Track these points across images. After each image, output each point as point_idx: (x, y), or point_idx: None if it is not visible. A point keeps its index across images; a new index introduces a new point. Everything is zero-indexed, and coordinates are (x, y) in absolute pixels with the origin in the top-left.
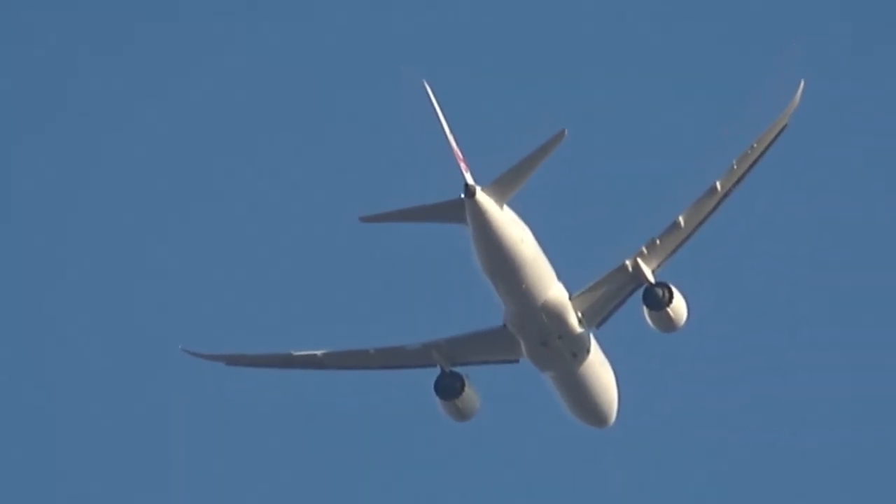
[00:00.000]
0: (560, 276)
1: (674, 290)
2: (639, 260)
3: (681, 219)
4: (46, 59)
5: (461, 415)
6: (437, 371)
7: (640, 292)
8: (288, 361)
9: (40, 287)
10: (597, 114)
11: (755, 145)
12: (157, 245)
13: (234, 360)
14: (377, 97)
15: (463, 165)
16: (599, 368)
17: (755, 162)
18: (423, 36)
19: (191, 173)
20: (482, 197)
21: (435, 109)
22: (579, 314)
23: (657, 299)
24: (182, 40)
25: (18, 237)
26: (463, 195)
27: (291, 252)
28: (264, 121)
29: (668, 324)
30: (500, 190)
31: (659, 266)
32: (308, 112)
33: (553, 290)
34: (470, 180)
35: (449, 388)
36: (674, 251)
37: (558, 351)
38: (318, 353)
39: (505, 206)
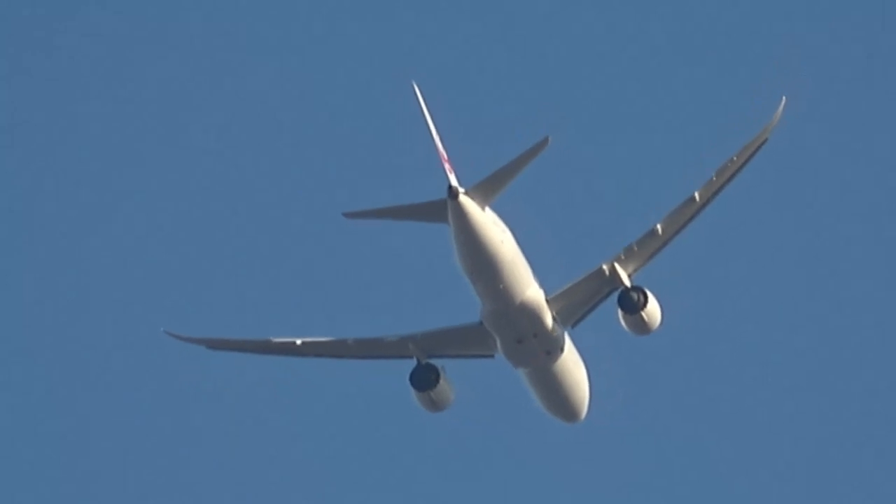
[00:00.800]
0: (539, 277)
1: (649, 294)
2: (616, 264)
3: (658, 227)
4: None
5: (435, 406)
6: (413, 363)
7: (615, 295)
8: (267, 347)
9: (28, 270)
10: (585, 118)
11: (735, 158)
12: (149, 234)
13: (214, 344)
14: (369, 98)
15: (447, 167)
16: (572, 366)
17: (734, 174)
18: (416, 37)
19: (181, 164)
20: (464, 199)
21: (423, 111)
22: (555, 314)
23: (632, 303)
24: (170, 34)
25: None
26: (446, 196)
27: (278, 244)
28: (254, 116)
29: (641, 327)
30: (483, 193)
31: (636, 271)
32: (299, 109)
33: (530, 291)
34: (454, 182)
35: (424, 379)
36: (650, 257)
37: (533, 349)
38: (297, 341)
39: (487, 209)
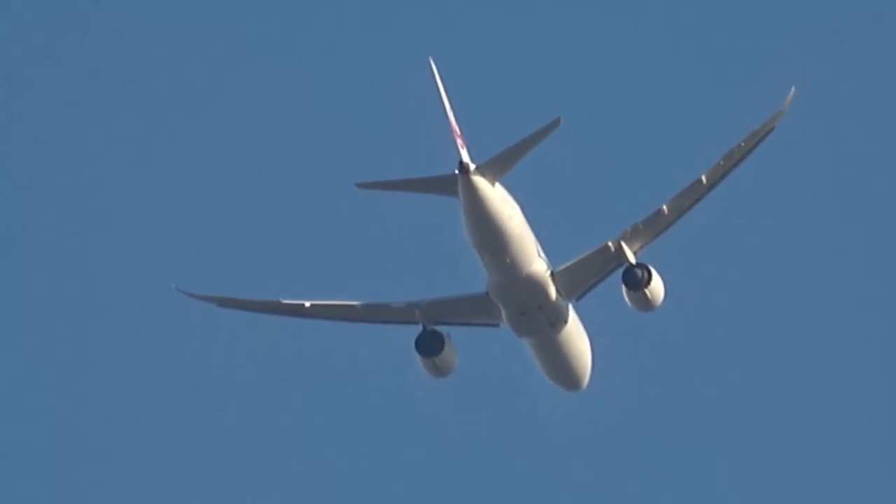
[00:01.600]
0: (547, 251)
1: (653, 271)
2: (621, 242)
3: (665, 207)
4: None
5: (439, 371)
6: (418, 329)
7: (620, 271)
8: (276, 308)
9: (49, 225)
10: (599, 101)
11: (742, 144)
12: (167, 192)
13: (224, 302)
14: (388, 74)
15: (460, 142)
16: (576, 338)
17: (740, 160)
18: (438, 23)
19: (200, 133)
20: (475, 174)
21: (438, 87)
22: (560, 288)
23: (636, 280)
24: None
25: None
26: (457, 171)
27: (293, 211)
28: (273, 90)
29: (645, 304)
30: (493, 169)
31: (641, 248)
32: (317, 87)
33: (536, 265)
34: (465, 158)
35: (429, 346)
36: (656, 236)
37: (537, 320)
38: (306, 303)
39: (497, 184)
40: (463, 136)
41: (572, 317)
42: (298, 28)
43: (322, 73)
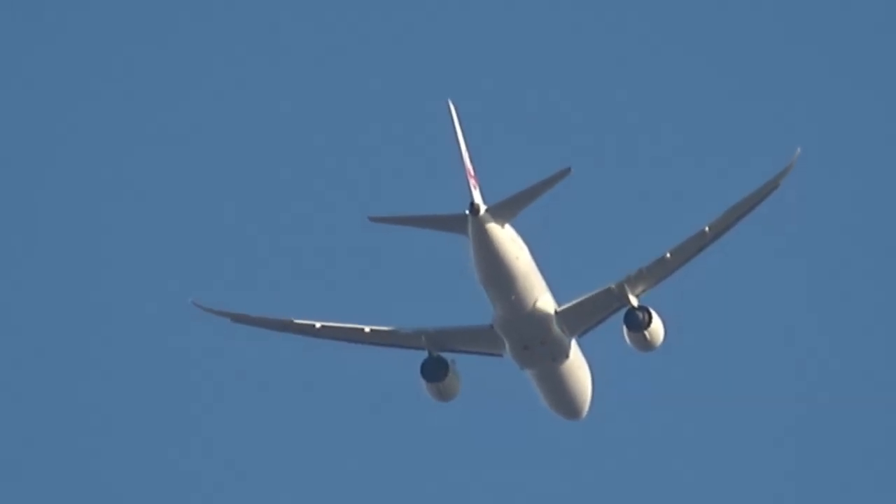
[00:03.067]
0: (553, 288)
1: (653, 314)
2: (625, 284)
3: (668, 254)
4: None
5: (442, 396)
6: (424, 354)
7: (622, 312)
8: (287, 326)
9: (74, 228)
10: (613, 144)
11: (746, 199)
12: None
13: (238, 318)
14: (406, 111)
15: (473, 182)
16: (576, 370)
17: (744, 214)
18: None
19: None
20: (484, 216)
21: (455, 129)
22: (563, 325)
23: (637, 321)
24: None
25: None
26: (468, 211)
27: (310, 237)
28: (292, 120)
29: (645, 344)
30: (502, 212)
31: (643, 292)
32: (341, 121)
33: (541, 302)
34: (477, 199)
35: (434, 371)
36: (658, 281)
37: (539, 354)
38: (317, 324)
39: (506, 225)
40: (476, 176)
41: (574, 350)
42: (323, 61)
43: (348, 104)
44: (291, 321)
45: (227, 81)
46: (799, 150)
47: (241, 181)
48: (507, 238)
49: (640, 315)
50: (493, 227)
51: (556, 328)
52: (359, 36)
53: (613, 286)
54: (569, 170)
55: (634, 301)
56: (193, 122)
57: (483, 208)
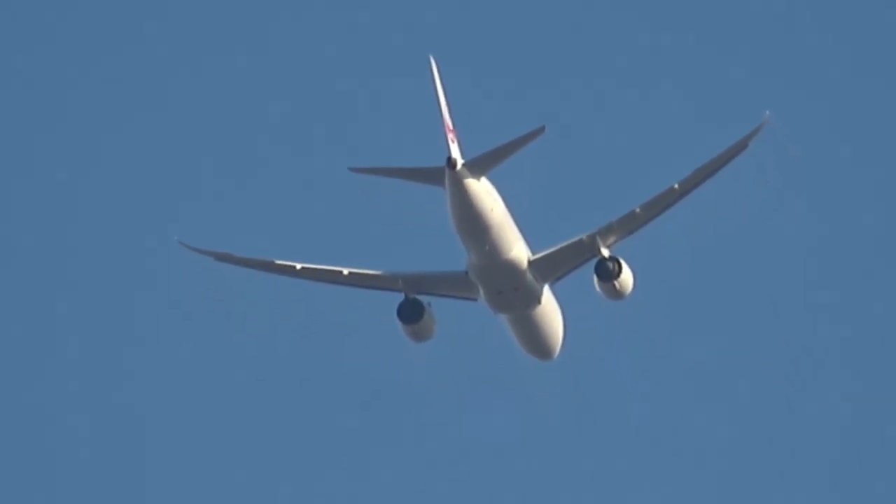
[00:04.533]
0: (528, 237)
1: (623, 264)
2: (596, 236)
3: (638, 209)
4: None
5: (417, 337)
6: (401, 297)
7: (593, 262)
8: (269, 266)
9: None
10: (592, 104)
11: (715, 159)
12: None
13: (221, 257)
14: (391, 72)
15: (451, 136)
16: (548, 315)
17: (712, 173)
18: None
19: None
20: (461, 170)
21: (435, 85)
22: (534, 274)
23: (607, 271)
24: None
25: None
26: (445, 165)
27: (294, 188)
28: (273, 90)
29: (614, 294)
30: (478, 166)
31: (614, 243)
32: (321, 85)
33: (514, 251)
34: (454, 153)
35: (410, 313)
36: (628, 234)
37: (512, 299)
38: (297, 265)
39: (482, 178)
40: (455, 131)
41: (546, 295)
42: (303, 22)
43: (333, 63)
44: (273, 262)
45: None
46: (768, 112)
47: (226, 127)
48: (482, 191)
49: (610, 265)
50: (469, 181)
51: (528, 276)
52: None
53: (585, 237)
54: (542, 128)
55: (605, 252)
56: (175, 67)
57: (460, 163)
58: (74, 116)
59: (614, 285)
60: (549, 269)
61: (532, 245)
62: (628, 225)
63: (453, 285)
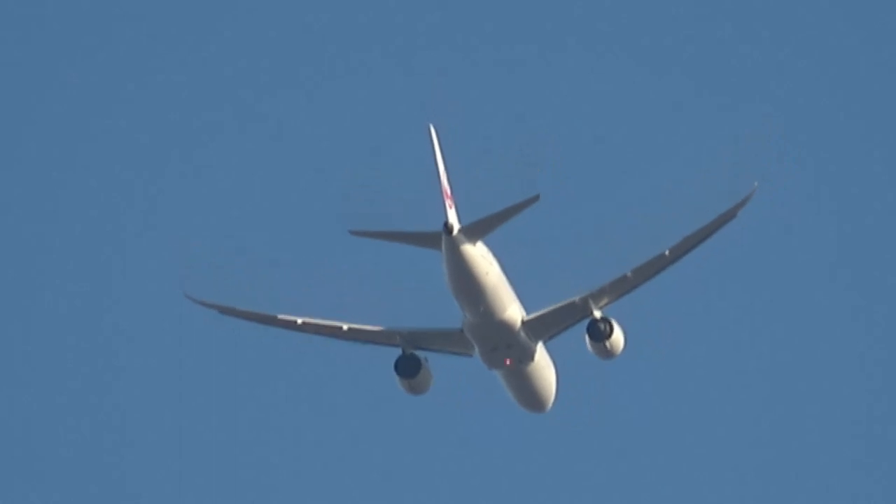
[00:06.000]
0: (522, 297)
1: (614, 325)
2: (588, 298)
3: (629, 274)
4: None
5: (415, 391)
6: (398, 352)
7: (585, 322)
8: (272, 321)
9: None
10: (587, 167)
11: (704, 228)
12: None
13: (226, 311)
14: (387, 133)
15: (449, 202)
16: (541, 370)
17: (701, 240)
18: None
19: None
20: (457, 235)
21: (434, 151)
22: (529, 333)
23: (598, 332)
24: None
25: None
26: (441, 230)
27: (294, 245)
28: (287, 139)
29: (605, 353)
30: (474, 231)
31: (606, 305)
32: (326, 135)
33: (508, 312)
34: (451, 219)
35: (407, 368)
36: (619, 297)
37: (506, 356)
38: (299, 320)
39: (478, 243)
40: (452, 196)
41: (539, 352)
42: (308, 79)
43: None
44: (275, 316)
45: (213, 66)
46: (756, 184)
47: (225, 189)
48: (478, 255)
49: (602, 326)
50: (465, 246)
51: (521, 335)
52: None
53: (577, 299)
54: (537, 196)
55: (597, 313)
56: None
57: (457, 228)
58: (72, 116)
59: (605, 345)
60: (542, 328)
61: (526, 304)
62: (619, 289)
63: (449, 342)
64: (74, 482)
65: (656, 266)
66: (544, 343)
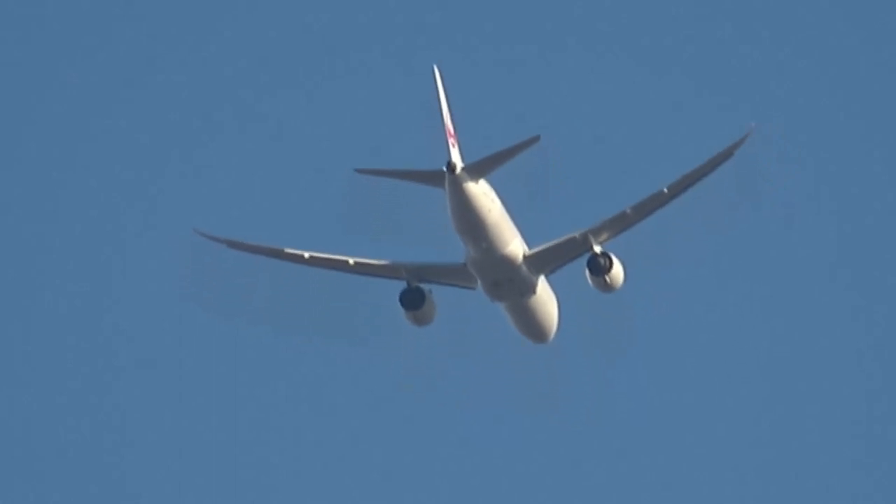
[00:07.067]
0: (525, 232)
1: (614, 259)
2: (588, 234)
3: (628, 210)
4: None
5: (419, 322)
6: (403, 284)
7: (585, 257)
8: (279, 254)
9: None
10: (589, 112)
11: (702, 166)
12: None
13: (234, 245)
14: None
15: (451, 141)
16: (543, 303)
17: (700, 178)
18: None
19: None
20: (460, 174)
21: (439, 93)
22: (529, 267)
23: (598, 266)
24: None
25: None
26: (444, 168)
27: (302, 183)
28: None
29: (605, 287)
30: (476, 170)
31: (606, 240)
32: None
33: (510, 248)
34: (454, 158)
35: (411, 300)
36: (619, 233)
37: (508, 290)
38: (305, 254)
39: (480, 181)
40: (456, 135)
41: (541, 285)
42: (305, 26)
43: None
44: (283, 249)
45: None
46: (753, 124)
47: (226, 122)
48: (480, 193)
49: (602, 261)
50: (468, 184)
51: (523, 269)
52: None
53: (578, 235)
54: (538, 137)
55: (597, 248)
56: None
57: (459, 167)
58: (69, 107)
59: (605, 279)
60: (543, 263)
61: (528, 239)
62: (619, 224)
63: (453, 276)
64: (73, 480)
65: (655, 203)
66: (546, 277)
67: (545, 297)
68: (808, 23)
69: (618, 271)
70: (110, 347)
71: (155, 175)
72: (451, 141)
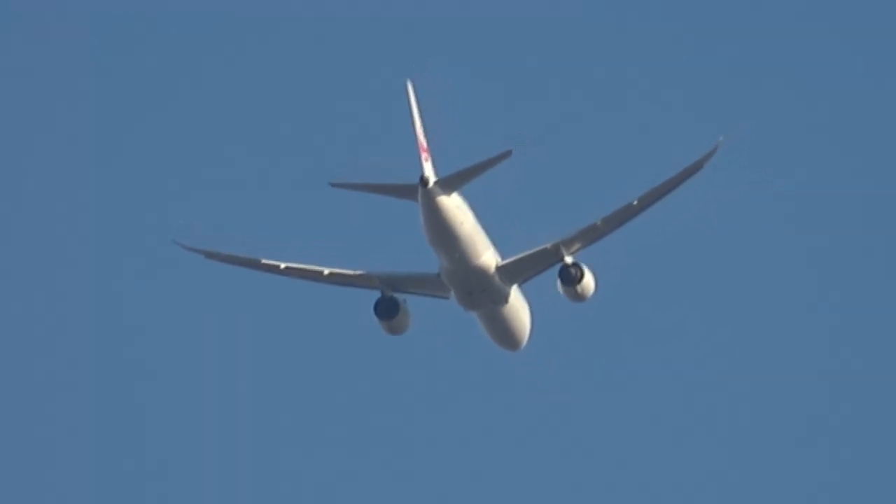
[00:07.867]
0: (497, 244)
1: (585, 270)
2: (560, 245)
3: (599, 222)
4: None
5: (394, 331)
6: (377, 294)
7: (557, 267)
8: (255, 264)
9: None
10: (563, 117)
11: (672, 179)
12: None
13: (211, 255)
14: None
15: (424, 155)
16: (515, 311)
17: (669, 190)
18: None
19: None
20: (433, 188)
21: (411, 108)
22: (502, 277)
23: (570, 277)
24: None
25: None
26: (418, 183)
27: (278, 195)
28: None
29: (576, 297)
30: (448, 184)
31: (577, 251)
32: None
33: (483, 258)
34: (426, 172)
35: (386, 310)
36: (590, 244)
37: (481, 299)
38: (282, 264)
39: (453, 194)
40: (429, 150)
41: (514, 294)
42: (281, 38)
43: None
44: (259, 260)
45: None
46: (722, 138)
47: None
48: (452, 206)
49: (573, 271)
50: (441, 198)
51: (496, 280)
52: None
53: (549, 246)
54: (510, 152)
55: (569, 259)
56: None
57: (432, 181)
58: (73, 116)
59: (576, 289)
60: (515, 273)
61: (502, 249)
62: (590, 235)
63: (427, 285)
64: (73, 480)
65: (625, 215)
66: (519, 286)
67: (518, 306)
68: (781, 33)
69: (588, 281)
70: (108, 349)
71: (137, 186)
72: (425, 155)
